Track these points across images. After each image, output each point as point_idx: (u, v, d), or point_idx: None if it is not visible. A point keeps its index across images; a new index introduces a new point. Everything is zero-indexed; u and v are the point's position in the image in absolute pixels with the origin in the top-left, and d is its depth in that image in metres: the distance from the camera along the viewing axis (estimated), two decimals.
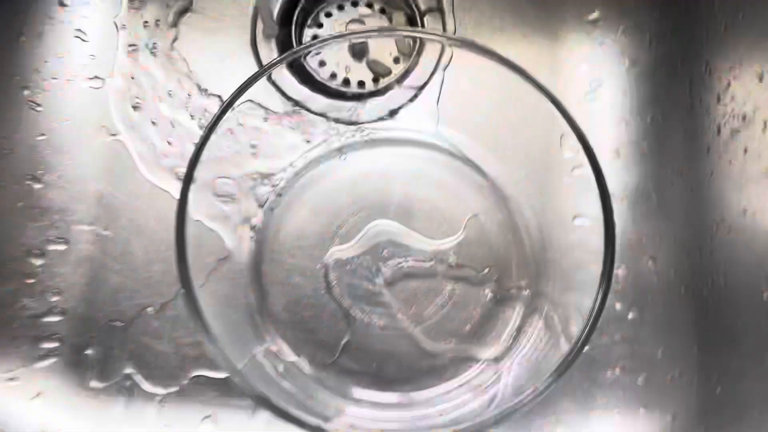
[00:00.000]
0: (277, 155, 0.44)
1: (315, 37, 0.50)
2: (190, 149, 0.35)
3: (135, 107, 0.46)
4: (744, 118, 0.36)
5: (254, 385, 0.32)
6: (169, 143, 0.45)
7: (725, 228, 0.37)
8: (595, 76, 0.46)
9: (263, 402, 0.31)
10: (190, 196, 0.35)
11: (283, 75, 0.46)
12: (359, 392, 0.39)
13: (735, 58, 0.37)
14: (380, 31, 0.37)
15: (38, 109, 0.45)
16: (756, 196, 0.35)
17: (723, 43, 0.39)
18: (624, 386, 0.40)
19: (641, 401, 0.40)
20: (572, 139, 0.36)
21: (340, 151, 0.44)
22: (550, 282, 0.41)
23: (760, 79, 0.35)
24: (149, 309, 0.42)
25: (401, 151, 0.45)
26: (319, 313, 0.41)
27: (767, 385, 0.32)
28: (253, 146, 0.43)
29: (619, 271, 0.42)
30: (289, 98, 0.45)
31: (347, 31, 0.45)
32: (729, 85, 0.38)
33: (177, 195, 0.35)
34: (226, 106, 0.36)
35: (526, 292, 0.41)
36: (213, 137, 0.36)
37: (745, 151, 0.36)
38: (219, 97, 0.46)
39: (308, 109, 0.45)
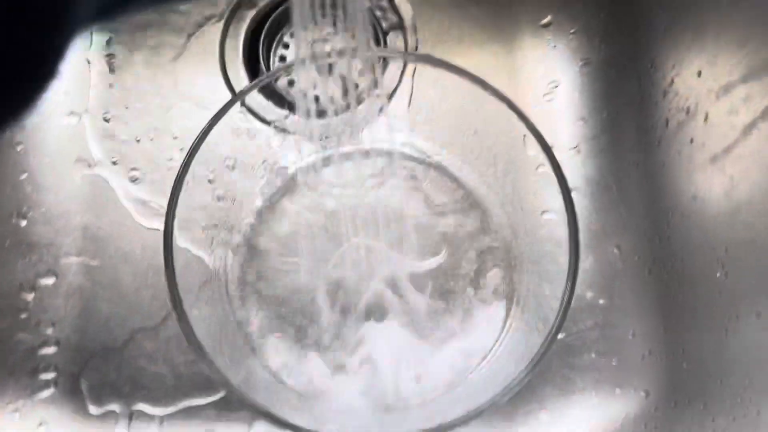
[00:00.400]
0: (253, 174, 0.46)
1: (282, 57, 0.51)
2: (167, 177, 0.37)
3: (110, 138, 0.47)
4: (687, 111, 0.38)
5: (251, 397, 0.34)
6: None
7: (678, 214, 0.40)
8: (552, 78, 0.49)
9: (262, 413, 0.33)
10: (175, 224, 0.36)
11: (254, 97, 0.47)
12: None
13: (676, 56, 0.40)
14: (341, 53, 0.39)
15: (18, 148, 0.46)
16: (703, 183, 0.37)
17: (665, 42, 0.41)
18: (600, 368, 0.43)
19: (616, 381, 0.42)
20: (533, 139, 0.38)
21: (314, 166, 0.46)
22: (525, 276, 0.43)
23: (699, 74, 0.37)
24: (140, 334, 0.44)
25: (374, 162, 0.46)
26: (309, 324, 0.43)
27: (726, 356, 0.35)
28: (228, 166, 0.44)
29: (587, 262, 0.44)
30: (262, 120, 0.47)
31: (310, 55, 0.47)
32: (672, 81, 0.40)
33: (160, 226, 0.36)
34: (204, 134, 0.38)
35: (503, 288, 0.43)
36: (192, 164, 0.37)
37: (691, 141, 0.38)
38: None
39: (283, 129, 0.46)
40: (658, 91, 0.42)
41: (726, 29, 0.35)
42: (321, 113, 0.47)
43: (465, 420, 0.34)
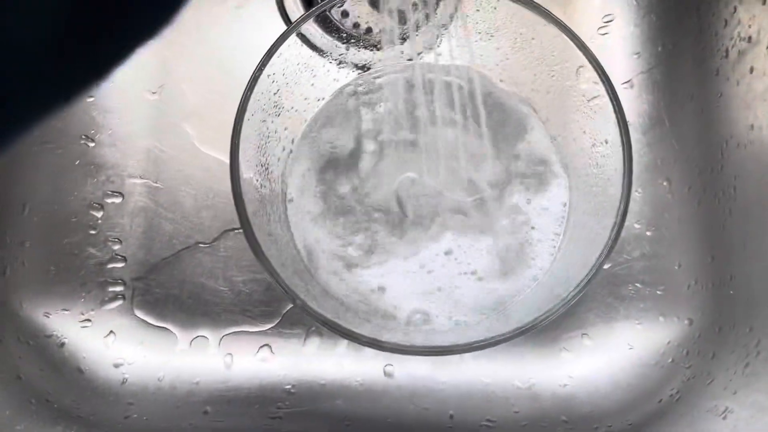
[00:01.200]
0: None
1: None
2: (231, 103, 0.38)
3: (173, 67, 0.49)
4: (749, 39, 0.38)
5: (317, 310, 0.35)
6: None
7: (734, 144, 0.40)
8: (607, 11, 0.48)
9: (326, 323, 0.35)
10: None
11: (310, 29, 0.48)
12: None
13: None
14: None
15: None
16: (762, 112, 0.37)
17: None
18: (644, 298, 0.44)
19: (660, 310, 0.43)
20: (589, 70, 0.39)
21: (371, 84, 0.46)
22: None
23: (764, 2, 0.37)
24: (202, 252, 0.46)
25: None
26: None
27: None
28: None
29: (636, 194, 0.45)
30: (317, 49, 0.47)
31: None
32: (735, 9, 0.40)
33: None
34: (263, 63, 0.39)
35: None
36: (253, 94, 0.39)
37: (751, 70, 0.38)
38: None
39: (340, 60, 0.47)
40: (719, 21, 0.41)
41: None
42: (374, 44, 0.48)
43: (510, 336, 0.35)
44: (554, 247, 0.42)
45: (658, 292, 0.44)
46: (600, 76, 0.38)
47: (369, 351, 0.43)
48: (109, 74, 0.17)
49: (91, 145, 0.47)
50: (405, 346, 0.35)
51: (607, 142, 0.39)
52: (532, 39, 0.41)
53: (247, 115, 0.39)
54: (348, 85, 0.45)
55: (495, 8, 0.41)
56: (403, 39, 0.47)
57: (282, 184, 0.44)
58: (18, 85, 0.15)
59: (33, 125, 0.16)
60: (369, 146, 0.44)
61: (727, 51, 0.40)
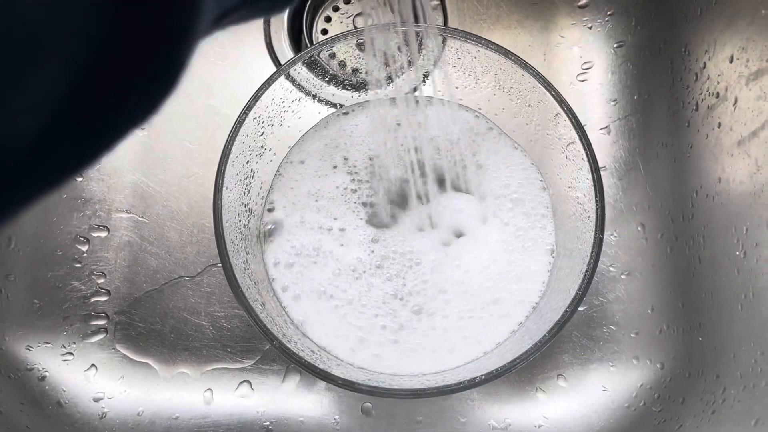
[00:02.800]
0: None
1: (325, 31, 0.53)
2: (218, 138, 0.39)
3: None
4: (717, 95, 0.39)
5: (294, 350, 0.36)
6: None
7: (703, 194, 0.41)
8: (586, 58, 0.50)
9: (304, 366, 0.35)
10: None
11: (299, 71, 0.49)
12: None
13: (710, 41, 0.41)
14: (380, 27, 0.40)
15: None
16: (729, 166, 0.39)
17: (699, 26, 0.42)
18: (618, 341, 0.45)
19: (633, 353, 0.44)
20: (565, 117, 0.40)
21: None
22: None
23: (731, 60, 0.38)
24: (185, 287, 0.47)
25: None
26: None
27: (740, 331, 0.36)
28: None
29: (612, 237, 0.46)
30: (306, 91, 0.49)
31: (352, 29, 0.48)
32: (705, 65, 0.41)
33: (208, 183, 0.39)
34: (251, 103, 0.40)
35: None
36: (241, 130, 0.40)
37: (719, 125, 0.39)
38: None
39: (326, 100, 0.48)
40: (690, 75, 0.43)
41: (759, 16, 0.36)
42: (361, 85, 0.49)
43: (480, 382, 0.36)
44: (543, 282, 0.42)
45: (632, 335, 0.45)
46: (574, 124, 0.40)
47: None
48: (96, 162, 0.18)
49: (79, 179, 0.48)
50: (379, 388, 0.35)
51: (580, 190, 0.40)
52: (511, 87, 0.42)
53: (232, 157, 0.40)
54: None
55: (475, 57, 0.42)
56: (389, 80, 0.48)
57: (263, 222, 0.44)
58: (2, 174, 0.15)
59: (18, 211, 0.17)
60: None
61: (697, 104, 0.42)
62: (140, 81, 0.17)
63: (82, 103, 0.16)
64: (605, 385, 0.44)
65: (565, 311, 0.36)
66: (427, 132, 0.43)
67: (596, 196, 0.38)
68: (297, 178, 0.44)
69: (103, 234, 0.47)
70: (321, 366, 0.36)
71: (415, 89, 0.48)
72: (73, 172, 0.17)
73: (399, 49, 0.50)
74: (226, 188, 0.39)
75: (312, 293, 0.41)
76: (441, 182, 0.43)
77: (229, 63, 0.51)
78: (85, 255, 0.47)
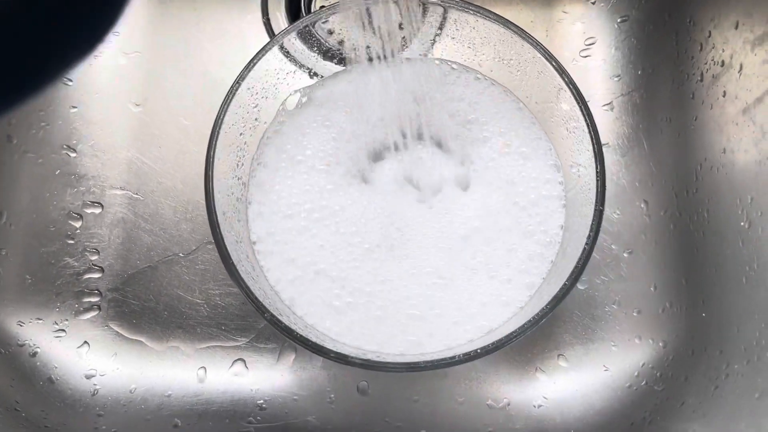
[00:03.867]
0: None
1: (323, 7, 0.52)
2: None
3: (155, 78, 0.49)
4: (722, 63, 0.38)
5: (287, 324, 0.35)
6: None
7: (708, 167, 0.40)
8: (589, 34, 0.49)
9: (298, 340, 0.35)
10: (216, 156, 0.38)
11: (294, 44, 0.49)
12: None
13: (715, 9, 0.40)
14: None
15: (69, 83, 0.48)
16: (734, 135, 0.37)
17: None
18: (620, 320, 0.44)
19: (636, 333, 0.43)
20: (568, 93, 0.39)
21: None
22: None
23: (736, 26, 0.37)
24: (179, 265, 0.46)
25: None
26: None
27: (744, 304, 0.35)
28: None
29: (614, 215, 0.45)
30: (300, 65, 0.48)
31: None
32: (710, 34, 0.40)
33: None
34: (243, 75, 0.39)
35: None
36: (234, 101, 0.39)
37: (724, 94, 0.38)
38: None
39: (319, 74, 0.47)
40: (695, 46, 0.42)
41: None
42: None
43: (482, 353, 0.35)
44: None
45: (634, 314, 0.44)
46: (578, 102, 0.38)
47: (343, 367, 0.43)
48: (27, 101, 0.18)
49: (73, 155, 0.47)
50: (372, 362, 0.35)
51: (581, 164, 0.39)
52: (511, 59, 0.41)
53: (224, 127, 0.39)
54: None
55: (473, 28, 0.41)
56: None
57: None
58: None
59: None
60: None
61: (702, 75, 0.41)
62: (66, 33, 0.17)
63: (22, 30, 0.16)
64: (606, 364, 0.43)
65: (564, 284, 0.35)
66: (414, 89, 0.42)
67: (597, 168, 0.37)
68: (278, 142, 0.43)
69: (97, 210, 0.47)
70: (314, 339, 0.35)
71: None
72: (5, 110, 0.17)
73: (400, 26, 0.49)
74: (218, 159, 0.38)
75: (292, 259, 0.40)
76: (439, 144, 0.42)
77: (226, 41, 0.50)
78: (78, 231, 0.46)
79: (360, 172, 0.42)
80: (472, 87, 0.43)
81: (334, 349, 0.35)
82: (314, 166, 0.42)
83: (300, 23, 0.42)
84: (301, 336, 0.35)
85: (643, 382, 0.42)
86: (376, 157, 0.42)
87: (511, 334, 0.35)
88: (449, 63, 0.44)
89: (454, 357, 0.35)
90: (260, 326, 0.45)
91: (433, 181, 0.41)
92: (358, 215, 0.41)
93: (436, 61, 0.44)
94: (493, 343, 0.35)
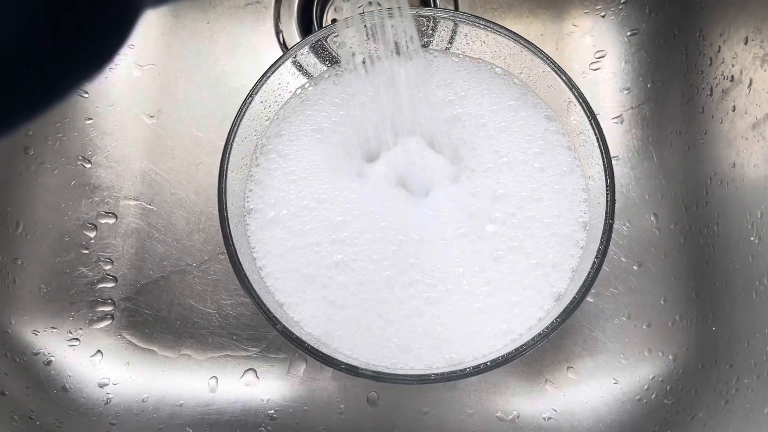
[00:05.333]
0: None
1: (335, 21, 0.53)
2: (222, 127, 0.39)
3: (169, 90, 0.50)
4: (732, 78, 0.38)
5: (299, 336, 0.35)
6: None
7: (717, 181, 0.40)
8: (599, 47, 0.49)
9: (308, 350, 0.35)
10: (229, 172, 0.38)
11: (307, 57, 0.49)
12: None
13: (724, 24, 0.40)
14: (390, 10, 0.40)
15: (85, 95, 0.49)
16: (744, 150, 0.38)
17: (714, 10, 0.41)
18: (630, 332, 0.44)
19: (645, 345, 0.43)
20: (578, 107, 0.39)
21: None
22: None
23: (746, 42, 0.38)
24: (192, 275, 0.46)
25: None
26: None
27: (754, 318, 0.35)
28: None
29: (623, 228, 0.45)
30: (312, 77, 0.48)
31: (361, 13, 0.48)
32: (719, 49, 0.40)
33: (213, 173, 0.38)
34: (256, 88, 0.40)
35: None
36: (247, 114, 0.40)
37: (734, 108, 0.38)
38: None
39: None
40: (704, 60, 0.42)
41: None
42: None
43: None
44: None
45: (644, 327, 0.44)
46: (588, 116, 0.39)
47: (353, 378, 0.43)
48: (43, 113, 0.18)
49: (88, 166, 0.48)
50: (383, 374, 0.35)
51: (591, 177, 0.39)
52: (521, 73, 0.42)
53: (237, 140, 0.40)
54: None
55: (484, 42, 0.42)
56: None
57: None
58: None
59: None
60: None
61: (712, 89, 0.41)
62: (81, 47, 0.17)
63: (29, 53, 0.16)
64: (616, 377, 0.43)
65: (574, 297, 0.35)
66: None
67: (606, 182, 0.37)
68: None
69: (111, 221, 0.47)
70: (324, 350, 0.36)
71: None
72: (23, 122, 0.17)
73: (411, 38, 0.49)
74: (231, 171, 0.39)
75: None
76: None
77: (239, 53, 0.51)
78: (92, 241, 0.47)
79: (358, 171, 0.42)
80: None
81: (345, 361, 0.35)
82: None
83: (312, 37, 0.43)
84: (311, 347, 0.35)
85: (653, 396, 0.42)
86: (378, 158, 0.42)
87: (521, 347, 0.35)
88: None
89: (464, 370, 0.35)
90: (271, 336, 0.45)
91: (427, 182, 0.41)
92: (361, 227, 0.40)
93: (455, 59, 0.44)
94: (502, 356, 0.35)
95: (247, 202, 0.41)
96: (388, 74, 0.41)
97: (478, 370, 0.35)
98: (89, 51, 0.18)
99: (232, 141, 0.39)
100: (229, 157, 0.39)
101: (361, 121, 0.42)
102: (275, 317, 0.36)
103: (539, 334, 0.35)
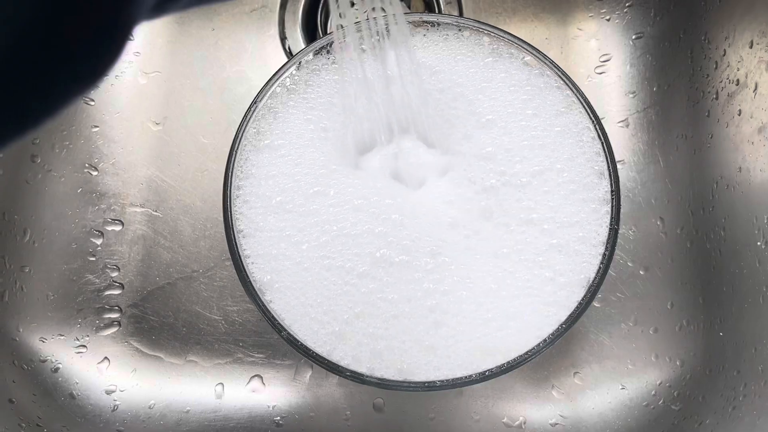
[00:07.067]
0: None
1: (339, 26, 0.53)
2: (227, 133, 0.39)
3: (175, 98, 0.50)
4: (737, 82, 0.38)
5: (303, 341, 0.35)
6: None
7: (724, 185, 0.40)
8: (604, 51, 0.49)
9: (313, 357, 0.35)
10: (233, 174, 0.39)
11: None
12: None
13: (729, 27, 0.40)
14: (395, 16, 0.40)
15: (91, 103, 0.49)
16: (750, 155, 0.37)
17: (719, 13, 0.41)
18: (637, 338, 0.44)
19: (652, 351, 0.43)
20: (580, 107, 0.39)
21: None
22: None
23: (751, 45, 0.37)
24: (198, 281, 0.47)
25: None
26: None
27: (762, 324, 0.35)
28: None
29: (630, 232, 0.45)
30: None
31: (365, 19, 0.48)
32: (725, 53, 0.40)
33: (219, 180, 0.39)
34: (261, 94, 0.40)
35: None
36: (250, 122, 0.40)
37: (739, 113, 0.38)
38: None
39: None
40: (710, 64, 0.42)
41: None
42: None
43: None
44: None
45: (651, 332, 0.43)
46: (592, 120, 0.38)
47: (359, 384, 0.43)
48: (39, 127, 0.18)
49: (94, 173, 0.48)
50: (388, 380, 0.35)
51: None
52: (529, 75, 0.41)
53: (243, 146, 0.40)
54: None
55: (495, 48, 0.42)
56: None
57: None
58: None
59: None
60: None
61: (717, 93, 0.41)
62: (77, 59, 0.17)
63: (23, 65, 0.16)
64: (623, 382, 0.43)
65: (579, 303, 0.35)
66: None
67: (612, 187, 0.37)
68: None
69: (118, 228, 0.48)
70: (329, 357, 0.35)
71: None
72: (14, 137, 0.17)
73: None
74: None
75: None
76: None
77: (244, 59, 0.51)
78: (99, 248, 0.47)
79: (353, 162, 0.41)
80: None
81: (349, 368, 0.35)
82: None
83: (317, 44, 0.43)
84: (317, 354, 0.35)
85: (661, 401, 0.41)
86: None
87: (526, 353, 0.35)
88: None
89: (469, 376, 0.35)
90: (277, 343, 0.45)
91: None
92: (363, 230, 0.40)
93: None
94: (508, 363, 0.35)
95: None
96: (380, 62, 0.40)
97: (484, 376, 0.35)
98: (82, 64, 0.18)
99: (237, 147, 0.39)
100: (234, 164, 0.39)
101: (355, 112, 0.41)
102: (280, 324, 0.36)
103: (544, 340, 0.35)
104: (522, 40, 0.40)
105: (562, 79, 0.39)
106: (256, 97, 0.40)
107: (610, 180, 0.38)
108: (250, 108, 0.40)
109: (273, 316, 0.36)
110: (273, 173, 0.40)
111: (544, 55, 0.40)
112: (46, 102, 0.18)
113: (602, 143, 0.38)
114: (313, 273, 0.38)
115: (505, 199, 0.39)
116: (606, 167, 0.37)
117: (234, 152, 0.39)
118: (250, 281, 0.36)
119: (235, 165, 0.39)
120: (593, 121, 0.38)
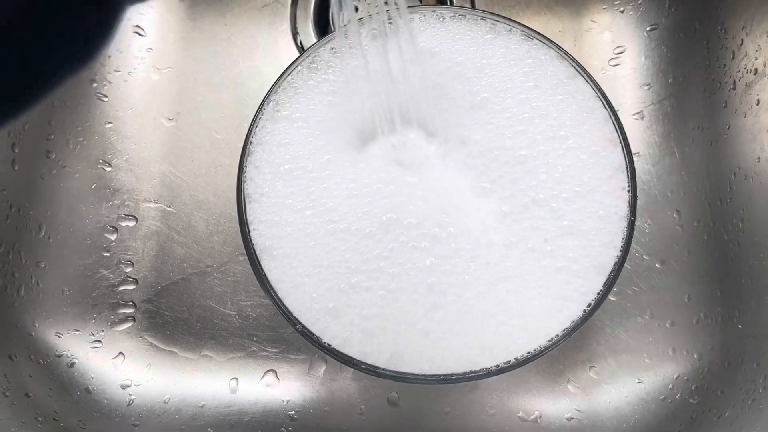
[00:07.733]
0: None
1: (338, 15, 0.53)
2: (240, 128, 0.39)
3: (188, 94, 0.50)
4: (756, 71, 0.38)
5: (318, 336, 0.35)
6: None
7: (741, 176, 0.39)
8: (618, 43, 0.49)
9: (329, 351, 0.35)
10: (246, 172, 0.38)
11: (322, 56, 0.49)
12: None
13: (747, 16, 0.39)
14: (409, 9, 0.40)
15: (105, 99, 0.50)
16: None
17: (736, 2, 0.41)
18: (653, 331, 0.43)
19: (669, 344, 0.43)
20: (598, 102, 0.39)
21: None
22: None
23: None
24: (212, 276, 0.47)
25: None
26: None
27: None
28: None
29: (645, 225, 0.45)
30: None
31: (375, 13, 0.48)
32: (742, 42, 0.40)
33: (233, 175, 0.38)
34: (274, 89, 0.40)
35: None
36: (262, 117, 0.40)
37: (758, 102, 0.38)
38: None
39: None
40: (727, 54, 0.41)
41: None
42: None
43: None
44: None
45: (667, 326, 0.43)
46: (609, 112, 0.38)
47: (373, 378, 0.43)
48: (31, 108, 0.18)
49: (108, 169, 0.48)
50: (403, 373, 0.35)
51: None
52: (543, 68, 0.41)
53: (256, 141, 0.40)
54: None
55: (509, 40, 0.41)
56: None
57: None
58: None
59: None
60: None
61: (735, 83, 0.40)
62: (69, 39, 0.17)
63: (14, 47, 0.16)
64: (639, 376, 0.43)
65: (596, 296, 0.35)
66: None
67: (628, 179, 0.37)
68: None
69: (132, 223, 0.48)
70: (344, 351, 0.35)
71: None
72: (8, 119, 0.17)
73: None
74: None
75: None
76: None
77: (256, 54, 0.51)
78: (113, 244, 0.47)
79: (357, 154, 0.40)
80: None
81: (365, 361, 0.35)
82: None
83: (329, 38, 0.43)
84: (332, 347, 0.35)
85: (678, 395, 0.41)
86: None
87: (542, 347, 0.35)
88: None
89: (484, 369, 0.35)
90: (291, 337, 0.45)
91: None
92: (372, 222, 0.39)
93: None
94: (523, 356, 0.35)
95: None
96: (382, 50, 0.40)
97: (499, 369, 0.35)
98: (75, 44, 0.18)
99: (250, 142, 0.39)
100: (247, 159, 0.39)
101: (359, 99, 0.41)
102: (295, 318, 0.36)
103: (561, 332, 0.35)
104: (536, 31, 0.40)
105: (577, 71, 0.39)
106: (269, 92, 0.40)
107: (627, 172, 0.37)
108: (262, 103, 0.40)
109: (288, 311, 0.36)
110: (286, 141, 0.40)
111: (555, 44, 0.39)
112: (39, 82, 0.18)
113: (618, 135, 0.38)
114: (316, 238, 0.38)
115: (509, 174, 0.38)
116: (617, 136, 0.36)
117: (247, 147, 0.39)
118: (265, 274, 0.36)
119: (249, 160, 0.39)
120: (610, 116, 0.38)
